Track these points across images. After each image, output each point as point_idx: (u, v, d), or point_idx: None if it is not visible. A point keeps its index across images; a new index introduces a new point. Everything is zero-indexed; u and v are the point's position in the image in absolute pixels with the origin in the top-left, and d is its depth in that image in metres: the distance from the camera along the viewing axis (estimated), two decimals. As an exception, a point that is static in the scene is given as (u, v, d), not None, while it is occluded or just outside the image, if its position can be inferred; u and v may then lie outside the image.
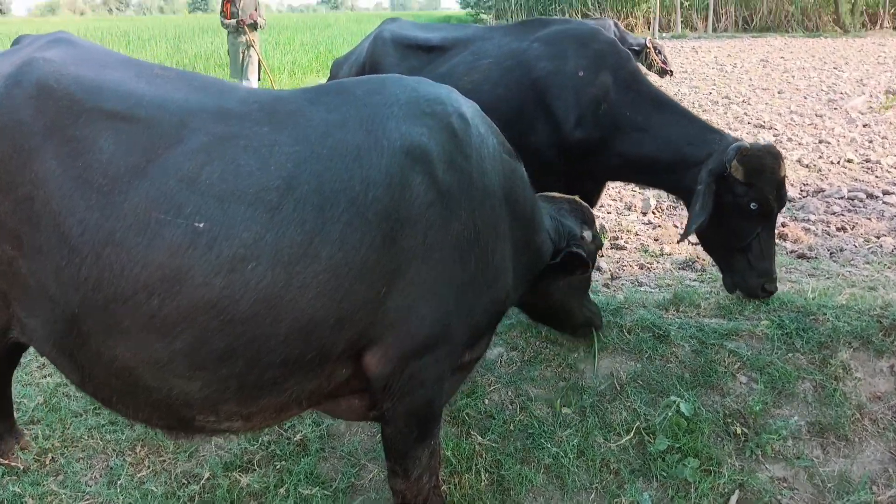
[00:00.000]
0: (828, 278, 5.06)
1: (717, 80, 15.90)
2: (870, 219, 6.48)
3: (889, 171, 8.08)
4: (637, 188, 7.40)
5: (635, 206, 7.18)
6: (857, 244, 5.89)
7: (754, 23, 34.88)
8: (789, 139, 9.74)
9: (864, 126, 10.45)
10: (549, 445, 3.36)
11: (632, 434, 3.42)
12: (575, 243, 3.04)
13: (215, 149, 2.07)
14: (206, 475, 3.22)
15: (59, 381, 3.83)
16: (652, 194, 7.27)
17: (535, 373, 3.84)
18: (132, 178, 2.00)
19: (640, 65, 11.89)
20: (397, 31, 4.89)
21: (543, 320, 3.59)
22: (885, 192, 7.22)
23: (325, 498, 3.11)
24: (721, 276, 4.28)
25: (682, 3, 35.40)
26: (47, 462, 3.30)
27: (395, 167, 2.20)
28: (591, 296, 3.84)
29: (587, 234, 3.17)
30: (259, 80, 12.02)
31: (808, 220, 6.54)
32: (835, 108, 11.94)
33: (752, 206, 3.80)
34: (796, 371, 3.70)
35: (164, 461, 3.33)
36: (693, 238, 5.76)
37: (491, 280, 2.49)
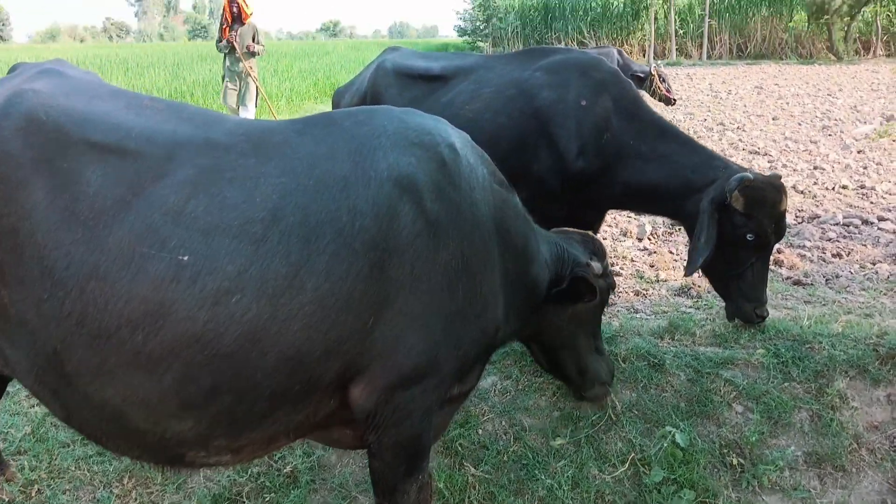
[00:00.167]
0: (823, 305, 5.05)
1: (711, 107, 16.02)
2: (865, 245, 6.49)
3: (884, 197, 8.11)
4: (632, 214, 7.41)
5: (631, 232, 7.18)
6: (852, 270, 5.88)
7: (748, 50, 35.28)
8: (784, 165, 9.78)
9: (859, 152, 10.50)
10: (543, 477, 3.32)
11: (627, 465, 3.37)
12: (580, 270, 2.97)
13: (201, 181, 2.06)
14: (195, 508, 3.17)
15: (48, 411, 3.78)
16: (647, 220, 7.28)
17: (529, 402, 3.80)
18: (118, 211, 1.99)
19: (644, 92, 12.01)
20: (399, 61, 4.91)
21: (552, 363, 3.38)
22: (881, 218, 7.23)
23: (315, 531, 3.06)
24: (717, 302, 4.26)
25: (676, 31, 35.84)
26: (33, 494, 3.25)
27: (383, 197, 2.19)
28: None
29: (595, 265, 3.06)
30: (256, 106, 12.08)
31: (804, 246, 6.54)
32: (829, 135, 12.01)
33: (749, 237, 3.80)
34: (792, 400, 3.67)
35: (152, 493, 3.28)
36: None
37: (480, 311, 2.46)
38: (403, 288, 2.20)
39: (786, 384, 3.77)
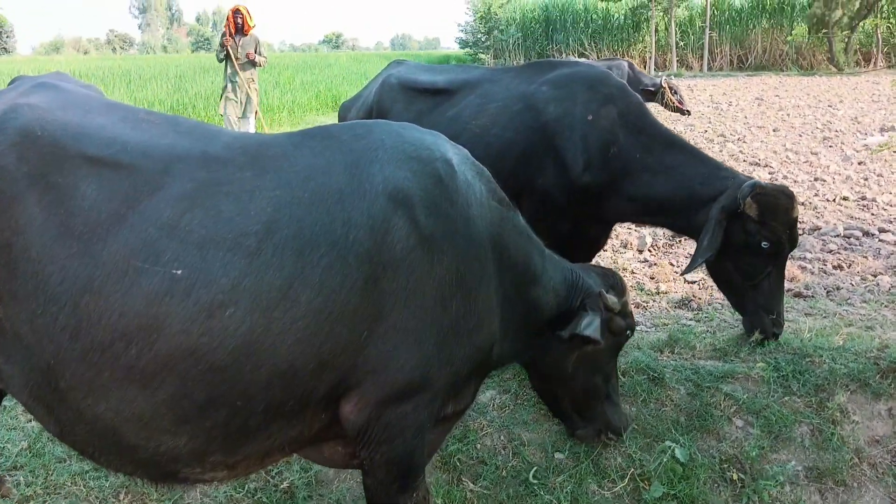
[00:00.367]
0: (825, 317, 5.03)
1: (712, 119, 16.05)
2: (866, 257, 6.47)
3: (885, 209, 8.10)
4: (633, 226, 7.40)
5: (631, 244, 7.17)
6: (853, 282, 5.86)
7: (749, 62, 35.45)
8: (784, 177, 9.78)
9: (860, 164, 10.51)
10: (542, 492, 3.28)
11: (626, 480, 3.34)
12: (591, 301, 2.84)
13: (196, 195, 2.06)
14: (191, 524, 3.15)
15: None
16: (648, 232, 7.27)
17: (527, 416, 3.78)
18: (112, 225, 1.98)
19: (656, 104, 11.99)
20: (404, 75, 4.91)
21: (546, 395, 3.27)
22: (881, 230, 7.22)
23: (312, 548, 3.03)
24: (717, 315, 4.24)
25: (677, 43, 36.00)
26: (28, 510, 3.23)
27: (378, 210, 2.19)
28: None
29: (611, 299, 2.86)
30: (258, 118, 12.12)
31: (805, 258, 6.52)
32: (830, 146, 12.02)
33: (764, 244, 3.79)
34: (793, 415, 3.64)
35: (149, 509, 3.25)
36: (689, 276, 5.75)
37: (474, 327, 2.44)
38: (397, 302, 2.19)
39: (786, 398, 3.75)
